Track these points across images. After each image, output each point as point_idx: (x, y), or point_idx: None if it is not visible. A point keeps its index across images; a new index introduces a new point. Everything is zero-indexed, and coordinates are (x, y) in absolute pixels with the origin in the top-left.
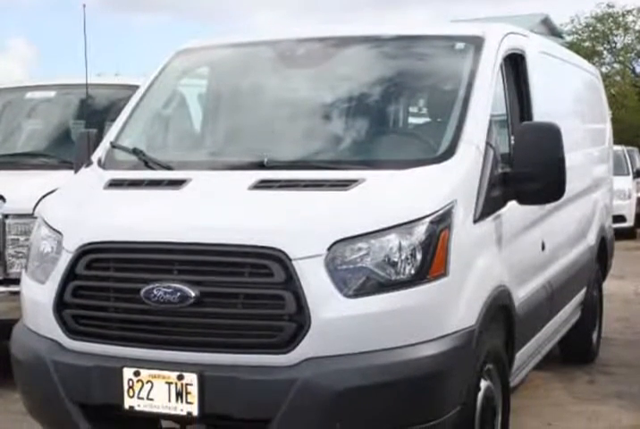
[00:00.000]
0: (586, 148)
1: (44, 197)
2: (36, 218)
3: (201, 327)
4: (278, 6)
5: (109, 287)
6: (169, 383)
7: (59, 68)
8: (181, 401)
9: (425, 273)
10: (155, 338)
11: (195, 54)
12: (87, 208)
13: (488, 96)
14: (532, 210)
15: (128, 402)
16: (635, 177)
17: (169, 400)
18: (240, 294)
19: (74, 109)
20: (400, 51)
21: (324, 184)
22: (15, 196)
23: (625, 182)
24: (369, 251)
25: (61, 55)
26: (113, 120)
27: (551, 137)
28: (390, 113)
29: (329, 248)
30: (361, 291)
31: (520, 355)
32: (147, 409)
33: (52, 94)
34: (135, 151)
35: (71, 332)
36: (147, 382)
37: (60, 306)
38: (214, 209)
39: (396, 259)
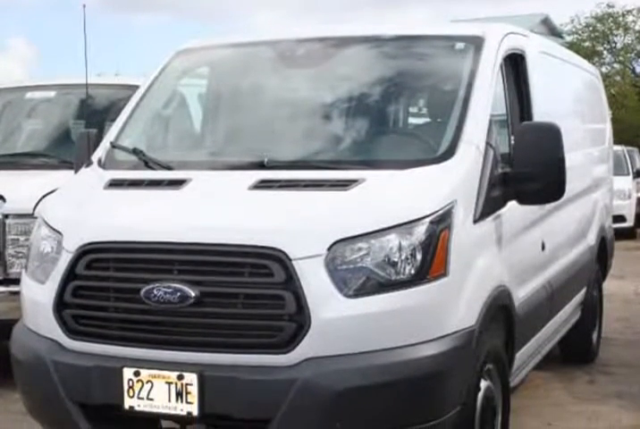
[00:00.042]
0: (586, 148)
1: (44, 197)
2: (36, 218)
3: (201, 327)
4: (278, 6)
5: (109, 287)
6: (169, 383)
7: (59, 68)
8: (181, 401)
9: (425, 273)
10: (155, 338)
11: (195, 54)
12: (87, 208)
13: (488, 96)
14: (532, 210)
15: (128, 402)
16: (635, 177)
17: (169, 400)
18: (240, 294)
19: (74, 109)
20: (400, 51)
21: (324, 184)
22: (15, 196)
23: (625, 182)
24: (369, 251)
25: (61, 55)
26: (113, 120)
27: (551, 137)
28: (390, 114)
29: (329, 248)
30: (361, 291)
31: (520, 355)
32: (147, 409)
33: (52, 94)
34: (135, 151)
35: (71, 332)
36: (147, 382)
37: (60, 306)
38: (215, 209)
39: (396, 259)
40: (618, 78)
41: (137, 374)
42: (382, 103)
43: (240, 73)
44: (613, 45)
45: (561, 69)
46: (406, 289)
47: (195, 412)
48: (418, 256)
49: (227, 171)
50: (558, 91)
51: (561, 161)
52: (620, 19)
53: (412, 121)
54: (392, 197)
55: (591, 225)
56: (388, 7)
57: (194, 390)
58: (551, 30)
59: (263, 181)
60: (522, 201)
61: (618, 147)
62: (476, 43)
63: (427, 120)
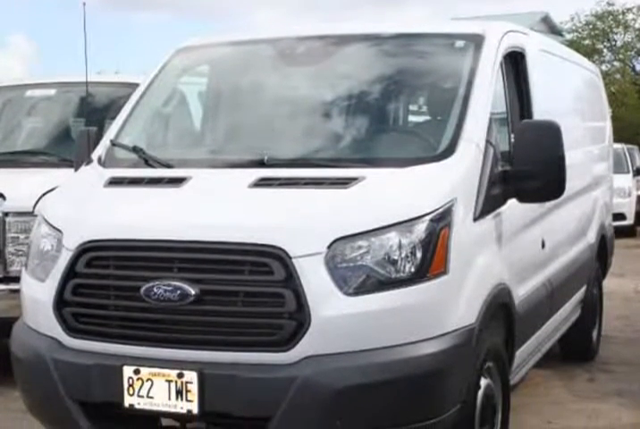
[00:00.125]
0: (586, 146)
1: (44, 195)
2: (36, 216)
3: (201, 325)
4: (278, 4)
5: (109, 285)
6: (169, 381)
7: (59, 65)
8: (181, 399)
9: (425, 271)
10: (155, 336)
11: (195, 52)
12: (87, 206)
13: (488, 94)
14: (532, 208)
15: (128, 400)
16: (635, 175)
17: (169, 398)
18: (240, 292)
19: (74, 107)
20: (401, 49)
21: (324, 182)
22: (15, 194)
23: (625, 180)
24: (369, 249)
25: (61, 53)
26: (114, 118)
27: (551, 135)
28: (390, 112)
29: (329, 246)
30: (361, 289)
31: (520, 353)
32: (147, 407)
33: (52, 92)
34: (135, 149)
35: (71, 330)
36: (147, 380)
37: (60, 304)
38: (215, 207)
39: (396, 257)
40: (618, 76)
41: (137, 372)
42: (382, 101)
43: (240, 71)
44: (613, 43)
45: (561, 67)
46: (406, 287)
47: (195, 410)
48: (418, 254)
49: (227, 169)
50: (558, 89)
51: (561, 159)
52: (620, 17)
53: (412, 119)
54: (392, 195)
55: (591, 223)
56: (388, 5)
57: (194, 388)
58: (551, 28)
59: (263, 179)
60: (522, 199)
61: (618, 145)
62: (476, 41)
63: (427, 118)
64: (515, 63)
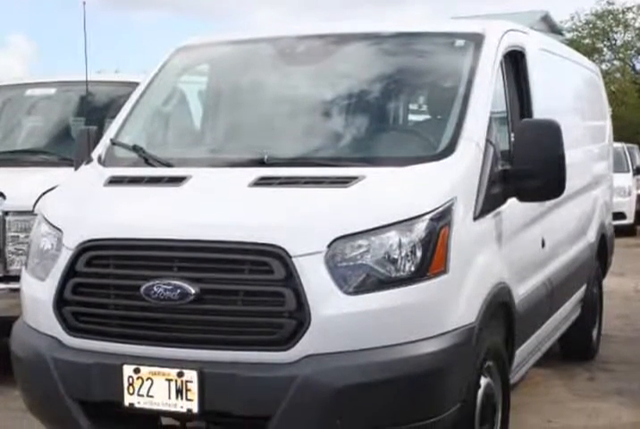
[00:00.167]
0: (586, 145)
1: (44, 194)
2: (36, 215)
3: (201, 324)
4: (278, 4)
5: (109, 284)
6: (169, 380)
7: (59, 65)
8: (181, 398)
9: (425, 270)
10: (155, 335)
11: (195, 52)
12: (87, 205)
13: (488, 93)
14: (532, 207)
15: (128, 399)
16: (635, 174)
17: (169, 397)
18: (240, 291)
19: (74, 106)
20: (400, 48)
21: (324, 181)
22: (15, 193)
23: (625, 179)
24: (369, 248)
25: (61, 52)
26: (113, 117)
27: (551, 134)
28: (390, 111)
29: (329, 245)
30: (361, 288)
31: (520, 352)
32: (147, 406)
33: (52, 91)
34: (135, 148)
35: (71, 330)
36: (147, 379)
37: (60, 303)
38: (214, 206)
39: (396, 256)
40: (618, 75)
41: (137, 371)
42: (382, 100)
43: (240, 70)
44: (613, 42)
45: (561, 66)
46: (406, 286)
47: (195, 409)
48: (418, 254)
49: (227, 168)
50: (558, 88)
51: (561, 158)
52: (620, 16)
53: (412, 118)
54: (392, 194)
55: (591, 222)
56: (388, 4)
57: (194, 387)
58: (551, 27)
59: (263, 178)
60: (522, 198)
61: (618, 145)
62: (476, 40)
63: (427, 117)
64: (515, 62)
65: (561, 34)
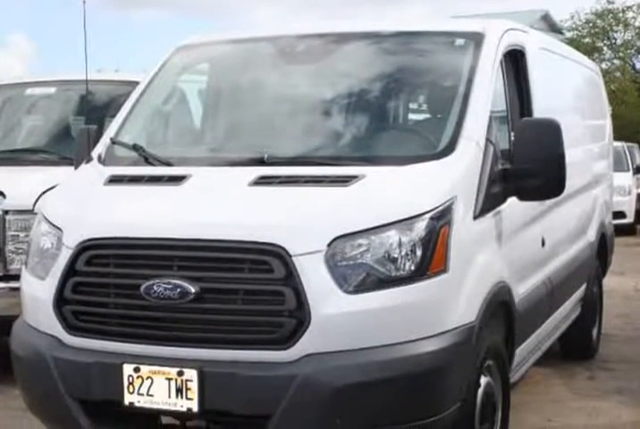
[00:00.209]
0: (586, 144)
1: (44, 193)
2: (36, 214)
3: (201, 323)
4: (278, 2)
5: (109, 283)
6: (169, 379)
7: (59, 64)
8: (181, 397)
9: (425, 269)
10: (155, 334)
11: (195, 51)
12: (87, 204)
13: (488, 92)
14: (532, 206)
15: (128, 398)
16: (635, 173)
17: (169, 396)
18: (240, 290)
19: (74, 105)
20: (400, 47)
21: (324, 180)
22: (15, 192)
23: (625, 178)
24: (369, 247)
25: (61, 51)
26: (114, 116)
27: (551, 133)
28: (390, 110)
29: (329, 244)
30: (361, 287)
31: (520, 351)
32: (147, 405)
33: (52, 90)
34: (135, 147)
35: (71, 329)
36: (147, 378)
37: (60, 302)
38: (214, 205)
39: (396, 255)
40: (618, 74)
41: (137, 370)
42: (382, 99)
43: (240, 69)
44: (613, 41)
45: (561, 65)
46: (406, 285)
47: (195, 408)
48: (418, 253)
49: (227, 167)
50: (558, 87)
51: (561, 157)
52: (620, 15)
53: (412, 117)
54: (392, 194)
55: (591, 221)
56: (388, 3)
57: (194, 386)
58: (551, 26)
59: (263, 178)
60: (522, 197)
61: (618, 144)
62: (476, 39)
63: (427, 116)
64: (515, 61)
65: (561, 33)
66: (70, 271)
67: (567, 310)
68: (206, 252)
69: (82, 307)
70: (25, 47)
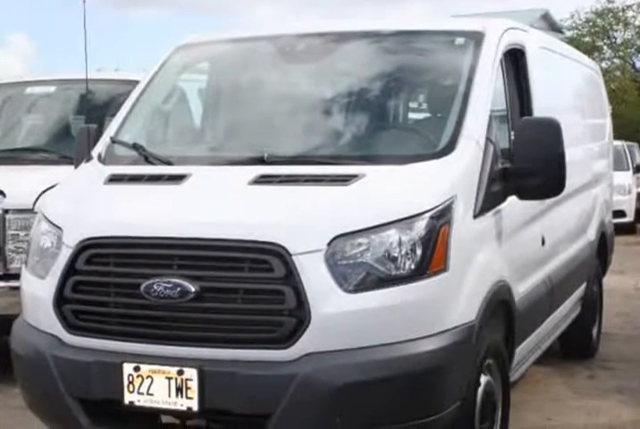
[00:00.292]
0: (586, 143)
1: (44, 192)
2: (36, 213)
3: (201, 322)
4: (278, 1)
5: (109, 282)
6: (169, 378)
7: (59, 63)
8: (181, 396)
9: (425, 268)
10: (155, 333)
11: (195, 50)
12: (87, 203)
13: (488, 91)
14: (532, 205)
15: (128, 397)
16: (635, 172)
17: (169, 395)
18: (240, 289)
19: (74, 104)
20: (400, 46)
21: (324, 179)
22: (15, 191)
23: (625, 177)
24: (369, 246)
25: (61, 50)
26: (114, 115)
27: (551, 132)
28: (390, 109)
29: (329, 244)
30: (361, 286)
31: (520, 350)
32: (147, 404)
33: (52, 89)
34: (135, 146)
35: (71, 328)
36: (147, 377)
37: (60, 301)
38: (215, 204)
39: (396, 254)
40: (618, 73)
41: (137, 369)
42: (382, 98)
43: (240, 68)
44: (613, 40)
45: (561, 64)
46: (406, 284)
47: (195, 407)
48: (418, 252)
49: (227, 166)
50: (558, 86)
51: (561, 156)
52: (620, 14)
53: (412, 116)
54: (392, 193)
55: (591, 220)
56: (388, 2)
57: (194, 385)
58: (551, 26)
59: (263, 177)
60: (522, 196)
61: (618, 143)
62: (476, 38)
63: (427, 115)
64: (515, 61)
65: (561, 32)
66: (70, 270)
67: (567, 309)
68: (206, 251)
69: (82, 306)
70: (25, 47)
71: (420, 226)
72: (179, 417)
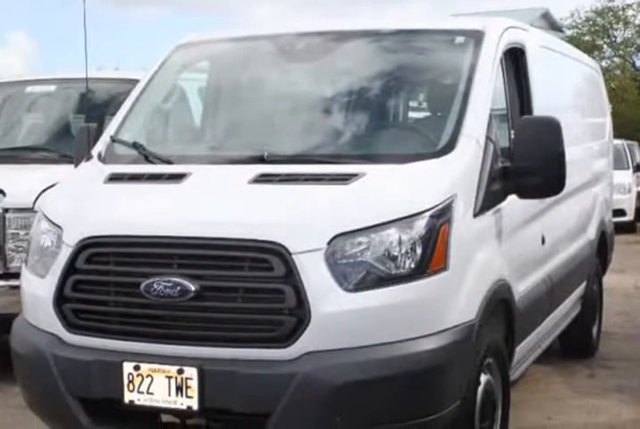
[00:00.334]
0: (586, 142)
1: (44, 191)
2: (36, 212)
3: (201, 321)
4: (278, 0)
5: (109, 281)
6: (169, 377)
7: (59, 62)
8: (181, 395)
9: (425, 267)
10: (155, 332)
11: (195, 49)
12: (87, 202)
13: (488, 90)
14: (532, 204)
15: (128, 396)
16: (635, 171)
17: (169, 394)
18: (240, 288)
19: (74, 103)
20: (400, 45)
21: (324, 178)
22: (15, 190)
23: (625, 176)
24: (369, 245)
25: (61, 49)
26: (114, 114)
27: (551, 131)
28: (390, 108)
29: (329, 243)
30: (361, 285)
31: (520, 349)
32: (147, 403)
33: (52, 88)
34: (135, 145)
35: (71, 327)
36: (147, 376)
37: (60, 300)
38: (215, 203)
39: (396, 253)
40: (618, 72)
41: (137, 368)
42: (382, 97)
43: (240, 67)
44: (613, 39)
45: (561, 63)
46: (406, 283)
47: (195, 406)
48: (418, 251)
49: (227, 165)
50: (558, 85)
51: (561, 155)
52: (620, 13)
53: (412, 115)
54: (392, 192)
55: (591, 219)
56: (388, 1)
57: (194, 384)
58: (551, 24)
59: (263, 175)
60: (522, 195)
61: (618, 141)
62: (476, 37)
63: (427, 114)
64: (515, 60)
65: (561, 31)
66: (70, 269)
67: (567, 308)
68: (206, 250)
69: (82, 305)
70: (25, 45)
71: (420, 225)
72: (179, 416)
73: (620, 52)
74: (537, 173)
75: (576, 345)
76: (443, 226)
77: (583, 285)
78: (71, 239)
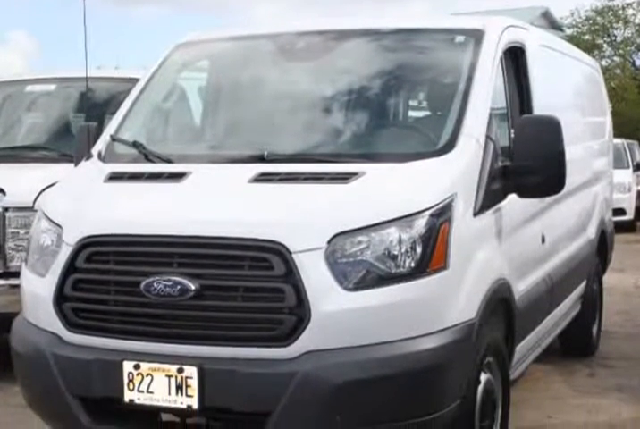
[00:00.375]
0: (586, 142)
1: (44, 190)
2: (36, 211)
3: (201, 320)
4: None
5: (109, 280)
6: (169, 376)
7: (59, 60)
8: (181, 394)
9: (425, 266)
10: (155, 331)
11: (195, 48)
12: (87, 201)
13: (488, 89)
14: (532, 203)
15: (128, 395)
16: (635, 170)
17: (169, 393)
18: (240, 287)
19: (74, 102)
20: (400, 44)
21: (324, 177)
22: (15, 189)
23: (625, 175)
24: (369, 244)
25: (61, 48)
26: (114, 113)
27: (551, 130)
28: (390, 107)
29: (329, 242)
30: (361, 285)
31: (520, 348)
32: (147, 402)
33: (52, 87)
34: (135, 144)
35: (71, 326)
36: (147, 375)
37: (60, 299)
38: (214, 202)
39: (396, 252)
40: (618, 71)
41: (137, 367)
42: (382, 96)
43: (240, 66)
44: (613, 38)
45: (561, 62)
46: (406, 282)
47: (195, 405)
48: (418, 250)
49: (227, 164)
50: (558, 84)
51: (561, 154)
52: (620, 12)
53: (412, 114)
54: (392, 191)
55: (591, 218)
56: (388, 1)
57: (194, 383)
58: (552, 24)
59: (263, 175)
60: (522, 194)
61: (618, 141)
62: (476, 36)
63: (427, 113)
64: (515, 59)
65: (561, 30)
66: (70, 268)
67: (567, 307)
68: (206, 249)
69: (82, 304)
70: (25, 44)
71: (420, 224)
72: (179, 415)
73: (620, 51)
74: (537, 172)
75: (576, 344)
76: (443, 225)
77: (583, 284)
78: (71, 238)
